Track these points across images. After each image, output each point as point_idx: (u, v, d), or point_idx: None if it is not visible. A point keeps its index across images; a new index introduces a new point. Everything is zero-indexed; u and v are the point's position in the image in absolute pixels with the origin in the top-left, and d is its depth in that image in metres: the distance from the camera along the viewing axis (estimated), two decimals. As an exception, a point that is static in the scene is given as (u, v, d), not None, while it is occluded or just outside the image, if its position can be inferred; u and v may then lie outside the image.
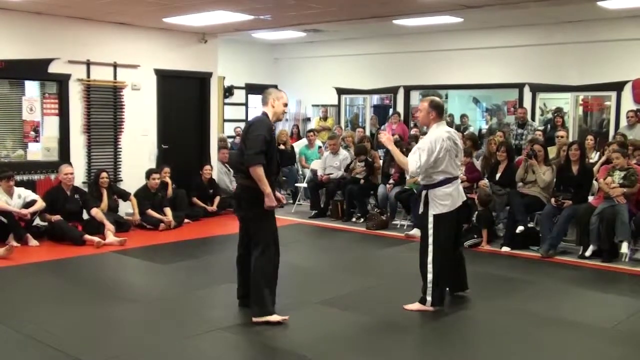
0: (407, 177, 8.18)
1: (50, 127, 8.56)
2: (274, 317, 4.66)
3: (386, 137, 5.24)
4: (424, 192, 5.05)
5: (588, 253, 6.88)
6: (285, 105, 4.87)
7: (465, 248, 7.36)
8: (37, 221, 7.70)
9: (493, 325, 4.86)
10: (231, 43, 12.46)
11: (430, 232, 4.96)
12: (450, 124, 12.61)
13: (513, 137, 10.08)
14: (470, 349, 4.39)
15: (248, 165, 4.56)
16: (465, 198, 5.21)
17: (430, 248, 4.95)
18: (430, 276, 4.96)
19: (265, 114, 4.80)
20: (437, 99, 5.21)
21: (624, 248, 6.76)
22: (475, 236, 7.53)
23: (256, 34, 11.46)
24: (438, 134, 4.92)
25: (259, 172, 4.54)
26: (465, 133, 10.53)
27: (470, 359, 4.24)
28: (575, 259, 6.95)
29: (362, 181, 9.21)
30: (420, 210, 5.09)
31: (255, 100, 14.91)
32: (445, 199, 4.94)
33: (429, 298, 4.99)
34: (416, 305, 5.04)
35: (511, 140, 9.79)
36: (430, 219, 4.95)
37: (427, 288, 4.99)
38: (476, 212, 7.64)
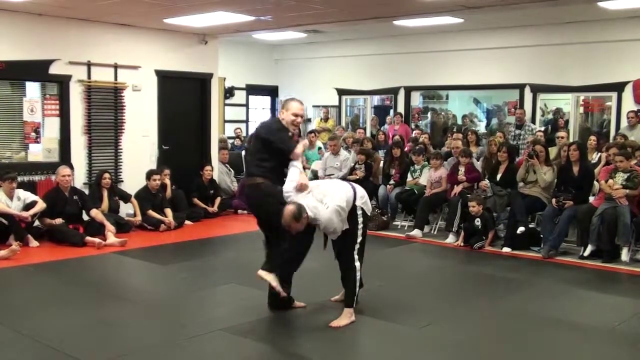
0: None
1: (51, 128, 8.55)
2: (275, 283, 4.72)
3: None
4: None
5: (586, 253, 6.87)
6: (295, 115, 4.80)
7: (470, 249, 7.45)
8: (38, 222, 7.68)
9: (493, 325, 4.86)
10: (232, 44, 12.48)
11: None
12: (453, 124, 12.71)
13: (511, 137, 10.08)
14: (471, 349, 4.38)
15: (290, 152, 4.75)
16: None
17: None
18: None
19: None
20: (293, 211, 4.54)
21: (624, 256, 6.77)
22: (484, 237, 7.53)
23: (257, 35, 11.46)
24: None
25: (298, 152, 4.78)
26: (470, 129, 10.59)
27: (470, 359, 4.24)
28: (576, 259, 6.94)
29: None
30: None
31: (255, 101, 14.97)
32: None
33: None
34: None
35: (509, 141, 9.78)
36: None
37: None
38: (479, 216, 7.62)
